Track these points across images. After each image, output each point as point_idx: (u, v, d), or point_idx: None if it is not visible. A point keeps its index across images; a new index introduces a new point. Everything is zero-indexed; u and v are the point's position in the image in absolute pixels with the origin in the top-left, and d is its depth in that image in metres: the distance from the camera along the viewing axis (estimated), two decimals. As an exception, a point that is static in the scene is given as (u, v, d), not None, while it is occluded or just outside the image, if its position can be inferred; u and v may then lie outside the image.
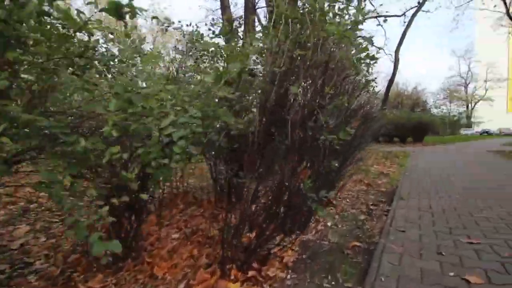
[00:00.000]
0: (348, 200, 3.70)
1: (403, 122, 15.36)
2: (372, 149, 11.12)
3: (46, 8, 1.24)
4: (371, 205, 3.45)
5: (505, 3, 20.76)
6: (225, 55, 3.14)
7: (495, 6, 22.74)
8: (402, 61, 70.02)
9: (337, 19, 2.29)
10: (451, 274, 1.72)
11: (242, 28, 4.67)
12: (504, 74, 51.32)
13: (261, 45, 2.39)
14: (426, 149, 12.82)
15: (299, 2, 2.53)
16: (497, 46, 46.70)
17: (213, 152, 2.99)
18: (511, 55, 49.51)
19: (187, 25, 3.76)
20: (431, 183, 4.58)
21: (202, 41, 3.30)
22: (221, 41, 3.25)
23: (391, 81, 21.75)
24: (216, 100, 2.02)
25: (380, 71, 45.97)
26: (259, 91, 2.29)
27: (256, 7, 12.00)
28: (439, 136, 26.05)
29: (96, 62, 1.61)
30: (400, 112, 16.44)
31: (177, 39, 4.31)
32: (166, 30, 3.96)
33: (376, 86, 4.05)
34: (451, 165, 6.82)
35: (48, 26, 1.33)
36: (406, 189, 4.16)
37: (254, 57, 2.74)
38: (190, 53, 3.52)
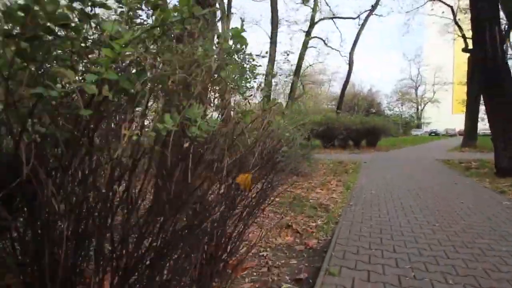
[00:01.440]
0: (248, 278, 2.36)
1: (356, 127, 14.71)
2: (324, 160, 10.14)
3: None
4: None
5: (452, 11, 21.22)
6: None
7: (443, 12, 23.25)
8: (358, 63, 72.17)
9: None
10: None
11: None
12: (449, 78, 54.58)
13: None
14: (378, 157, 12.14)
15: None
16: (444, 51, 49.35)
17: None
18: (456, 60, 52.65)
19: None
20: (376, 224, 3.44)
21: None
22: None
23: (346, 82, 21.29)
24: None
25: (337, 72, 46.67)
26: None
27: None
28: (393, 137, 26.32)
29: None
30: (354, 116, 15.82)
31: None
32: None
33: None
34: (399, 188, 5.88)
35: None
36: (343, 240, 2.95)
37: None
38: None
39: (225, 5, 19.14)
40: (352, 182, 6.24)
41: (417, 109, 57.78)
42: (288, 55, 17.39)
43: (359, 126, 14.71)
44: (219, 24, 20.08)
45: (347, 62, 20.80)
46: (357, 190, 5.46)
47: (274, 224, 3.54)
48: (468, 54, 18.07)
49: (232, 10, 18.54)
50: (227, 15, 19.04)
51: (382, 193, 5.21)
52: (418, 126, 54.73)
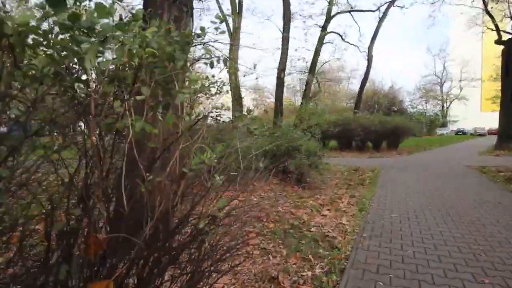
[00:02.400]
0: None
1: (375, 127, 13.41)
2: (337, 166, 9.04)
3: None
4: None
5: (483, 0, 19.32)
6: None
7: (472, 1, 21.32)
8: (378, 59, 69.26)
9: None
10: None
11: None
12: (477, 74, 51.21)
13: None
14: (399, 162, 10.87)
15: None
16: (471, 44, 46.24)
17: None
18: (484, 54, 49.30)
19: None
20: (399, 276, 2.43)
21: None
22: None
23: (364, 79, 19.88)
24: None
25: (357, 69, 44.77)
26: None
27: None
28: (416, 138, 24.55)
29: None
30: (373, 116, 14.49)
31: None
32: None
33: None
34: (426, 209, 4.77)
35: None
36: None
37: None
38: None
39: (237, 2, 18.29)
40: (368, 198, 5.17)
41: (443, 106, 54.68)
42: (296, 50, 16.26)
43: (379, 127, 13.40)
44: (230, 22, 19.28)
45: (366, 57, 19.39)
46: (373, 212, 4.40)
47: (254, 273, 2.60)
48: (501, 47, 16.27)
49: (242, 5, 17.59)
50: (238, 12, 18.17)
51: (405, 217, 4.12)
52: (444, 125, 51.73)
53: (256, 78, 21.90)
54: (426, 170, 8.46)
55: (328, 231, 3.60)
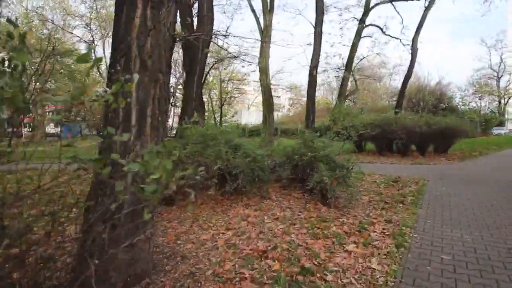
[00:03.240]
0: None
1: (421, 129, 11.76)
2: (374, 175, 7.82)
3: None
4: None
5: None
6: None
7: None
8: (423, 53, 63.98)
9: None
10: None
11: None
12: (543, 65, 45.10)
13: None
14: (450, 171, 9.27)
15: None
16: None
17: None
18: (552, 43, 43.18)
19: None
20: None
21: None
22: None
23: (408, 74, 17.95)
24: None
25: (400, 65, 41.49)
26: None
27: None
28: (469, 139, 21.79)
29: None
30: (418, 116, 12.76)
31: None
32: None
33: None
34: (494, 255, 3.56)
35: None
36: None
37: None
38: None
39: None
40: (410, 226, 4.05)
41: (499, 103, 48.99)
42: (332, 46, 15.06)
43: (425, 129, 11.74)
44: (261, 18, 18.46)
45: (410, 51, 17.46)
46: (415, 250, 3.32)
47: None
48: None
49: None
50: (269, 9, 17.26)
51: (462, 262, 3.01)
52: (501, 124, 46.27)
53: (290, 75, 20.81)
54: (487, 184, 6.94)
55: (350, 281, 2.64)
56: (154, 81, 2.80)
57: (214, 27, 8.79)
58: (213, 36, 9.13)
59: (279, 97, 71.96)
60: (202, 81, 9.63)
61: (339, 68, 19.69)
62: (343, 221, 4.28)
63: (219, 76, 23.52)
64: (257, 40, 16.45)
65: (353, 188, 5.23)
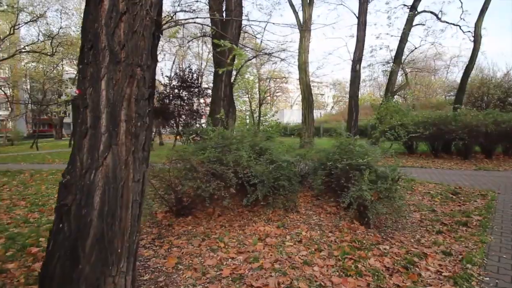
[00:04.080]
0: None
1: (487, 129, 9.91)
2: (427, 184, 6.57)
3: None
4: None
5: None
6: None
7: None
8: (488, 41, 56.55)
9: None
10: None
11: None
12: None
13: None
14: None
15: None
16: None
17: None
18: None
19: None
20: None
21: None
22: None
23: (469, 66, 15.59)
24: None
25: (460, 55, 37.05)
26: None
27: None
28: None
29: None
30: (482, 114, 10.81)
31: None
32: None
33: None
34: None
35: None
36: None
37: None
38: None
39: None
40: (478, 264, 2.98)
41: None
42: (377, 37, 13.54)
43: (492, 127, 9.86)
44: (300, 13, 17.42)
45: (472, 38, 15.12)
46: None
47: None
48: None
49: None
50: (309, 2, 16.17)
51: None
52: None
53: (332, 71, 19.48)
54: None
55: None
56: (130, 77, 2.20)
57: (252, 26, 8.16)
58: (245, 34, 8.52)
59: (323, 94, 69.41)
60: (232, 79, 9.06)
61: (387, 62, 17.87)
62: (385, 249, 3.33)
63: (257, 75, 22.93)
64: (293, 26, 15.44)
65: (400, 202, 4.19)
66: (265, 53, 12.71)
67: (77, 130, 2.19)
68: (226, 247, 3.52)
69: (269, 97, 31.62)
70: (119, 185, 2.17)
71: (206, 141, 5.17)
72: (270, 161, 4.74)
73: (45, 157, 14.42)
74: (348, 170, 4.42)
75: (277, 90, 45.90)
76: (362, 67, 17.21)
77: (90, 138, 2.14)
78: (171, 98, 13.96)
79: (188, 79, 14.00)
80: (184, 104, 13.79)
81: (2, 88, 30.65)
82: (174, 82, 14.27)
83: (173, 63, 26.21)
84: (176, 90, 14.26)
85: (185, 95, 14.17)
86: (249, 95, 23.78)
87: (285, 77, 27.07)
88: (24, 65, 31.24)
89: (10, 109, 33.93)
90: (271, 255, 3.25)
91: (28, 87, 34.96)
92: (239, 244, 3.58)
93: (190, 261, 3.19)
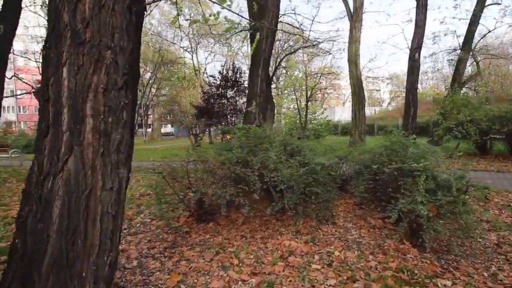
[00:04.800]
0: None
1: None
2: (508, 193, 5.23)
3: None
4: None
5: None
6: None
7: None
8: None
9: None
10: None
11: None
12: None
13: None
14: None
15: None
16: None
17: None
18: None
19: None
20: None
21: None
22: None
23: None
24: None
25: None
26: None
27: None
28: None
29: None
30: None
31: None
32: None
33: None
34: None
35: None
36: None
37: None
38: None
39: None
40: None
41: None
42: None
43: None
44: (350, 1, 16.03)
45: None
46: None
47: None
48: None
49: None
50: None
51: None
52: None
53: (386, 63, 17.72)
54: None
55: None
56: (96, 61, 1.76)
57: (298, 19, 7.52)
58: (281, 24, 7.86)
59: (379, 90, 64.65)
60: (271, 74, 8.45)
61: (453, 50, 15.53)
62: (445, 286, 2.45)
63: (305, 71, 21.91)
64: (343, 16, 14.22)
65: (469, 218, 3.18)
66: (311, 44, 11.79)
67: (38, 128, 1.83)
68: (240, 265, 2.96)
69: (319, 94, 30.25)
70: (83, 195, 1.74)
71: (232, 141, 4.69)
72: (301, 164, 4.05)
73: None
74: (397, 176, 3.53)
75: (328, 87, 43.95)
76: (423, 56, 15.27)
77: (52, 138, 1.76)
78: (215, 97, 13.88)
79: (232, 78, 13.78)
80: (228, 103, 13.60)
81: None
82: (219, 82, 14.18)
83: (224, 63, 26.49)
84: (221, 90, 14.16)
85: (230, 94, 13.98)
86: (297, 93, 22.86)
87: (334, 72, 25.48)
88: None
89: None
90: (290, 280, 2.61)
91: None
92: (256, 262, 2.99)
93: (195, 280, 2.70)
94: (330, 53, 14.18)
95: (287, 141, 4.80)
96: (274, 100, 9.48)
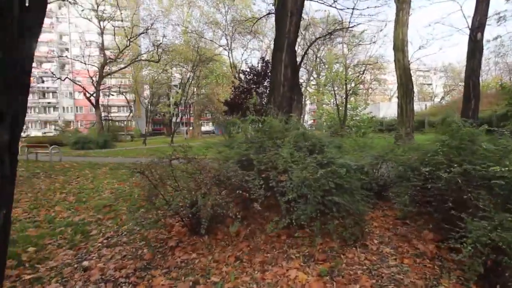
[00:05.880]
0: None
1: None
2: None
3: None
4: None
5: None
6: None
7: None
8: None
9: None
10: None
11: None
12: None
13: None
14: None
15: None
16: None
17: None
18: None
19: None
20: None
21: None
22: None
23: None
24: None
25: None
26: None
27: None
28: None
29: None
30: None
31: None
32: None
33: None
34: None
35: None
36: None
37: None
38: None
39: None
40: None
41: None
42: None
43: None
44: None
45: None
46: None
47: None
48: None
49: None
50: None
51: None
52: None
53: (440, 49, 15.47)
54: None
55: None
56: None
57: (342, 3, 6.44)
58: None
59: (430, 84, 58.77)
60: (299, 61, 7.36)
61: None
62: None
63: (344, 63, 20.12)
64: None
65: None
66: (343, 28, 10.38)
67: None
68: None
69: (362, 89, 28.03)
70: None
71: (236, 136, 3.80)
72: (320, 164, 3.01)
73: (141, 152, 15.54)
74: (461, 185, 2.33)
75: (372, 81, 40.82)
76: (486, 40, 12.93)
77: None
78: (245, 92, 13.11)
79: (262, 72, 12.89)
80: (257, 95, 12.74)
81: (124, 94, 35.90)
82: (249, 77, 13.38)
83: (259, 59, 25.65)
84: (251, 84, 13.35)
85: (260, 88, 13.10)
86: (337, 87, 21.18)
87: (376, 63, 23.21)
88: (145, 73, 36.06)
89: (130, 110, 39.71)
90: None
91: (148, 92, 40.25)
92: (242, 305, 2.06)
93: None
94: (374, 42, 12.48)
95: (306, 135, 3.77)
96: (304, 91, 8.37)
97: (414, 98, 13.38)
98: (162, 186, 3.21)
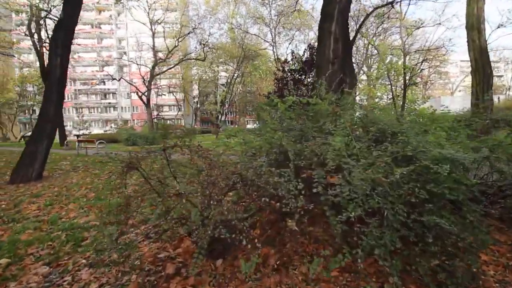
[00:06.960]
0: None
1: None
2: None
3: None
4: None
5: None
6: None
7: None
8: None
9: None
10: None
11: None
12: None
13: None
14: None
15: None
16: None
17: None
18: None
19: None
20: None
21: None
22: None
23: None
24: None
25: None
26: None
27: None
28: None
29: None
30: None
31: None
32: None
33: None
34: None
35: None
36: None
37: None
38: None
39: None
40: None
41: None
42: None
43: None
44: None
45: None
46: None
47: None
48: None
49: None
50: None
51: None
52: None
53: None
54: None
55: None
56: None
57: None
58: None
59: (502, 76, 50.71)
60: (352, 37, 5.97)
61: None
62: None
63: (402, 52, 17.68)
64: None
65: None
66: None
67: None
68: None
69: (420, 82, 24.88)
70: None
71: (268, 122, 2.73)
72: (397, 158, 1.79)
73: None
74: None
75: (431, 74, 36.42)
76: None
77: None
78: (290, 82, 11.93)
79: (308, 61, 11.57)
80: (303, 88, 11.44)
81: (174, 93, 36.96)
82: (294, 67, 12.17)
83: (304, 51, 24.15)
84: (296, 74, 12.12)
85: (305, 78, 11.81)
86: (392, 79, 18.82)
87: (442, 46, 20.16)
88: (193, 72, 36.76)
89: (178, 109, 40.84)
90: None
91: (196, 92, 41.04)
92: None
93: None
94: (439, 24, 10.40)
95: (369, 118, 2.54)
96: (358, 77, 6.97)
97: (492, 83, 10.95)
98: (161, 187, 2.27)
